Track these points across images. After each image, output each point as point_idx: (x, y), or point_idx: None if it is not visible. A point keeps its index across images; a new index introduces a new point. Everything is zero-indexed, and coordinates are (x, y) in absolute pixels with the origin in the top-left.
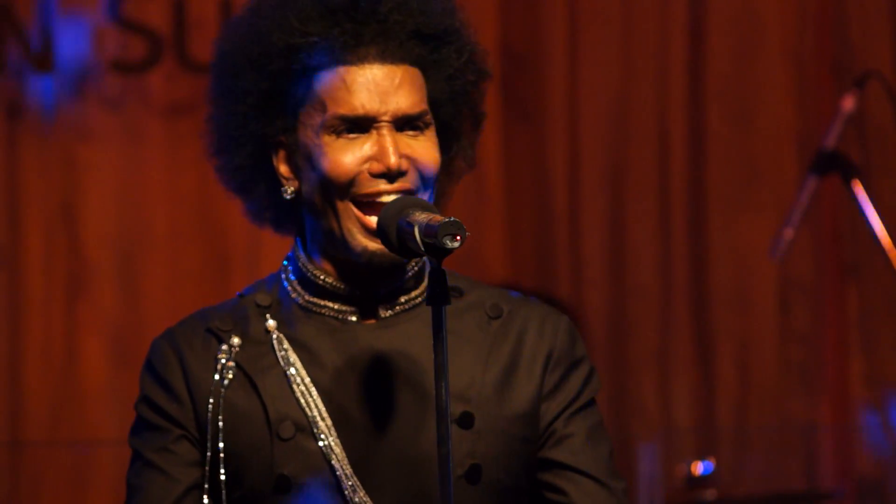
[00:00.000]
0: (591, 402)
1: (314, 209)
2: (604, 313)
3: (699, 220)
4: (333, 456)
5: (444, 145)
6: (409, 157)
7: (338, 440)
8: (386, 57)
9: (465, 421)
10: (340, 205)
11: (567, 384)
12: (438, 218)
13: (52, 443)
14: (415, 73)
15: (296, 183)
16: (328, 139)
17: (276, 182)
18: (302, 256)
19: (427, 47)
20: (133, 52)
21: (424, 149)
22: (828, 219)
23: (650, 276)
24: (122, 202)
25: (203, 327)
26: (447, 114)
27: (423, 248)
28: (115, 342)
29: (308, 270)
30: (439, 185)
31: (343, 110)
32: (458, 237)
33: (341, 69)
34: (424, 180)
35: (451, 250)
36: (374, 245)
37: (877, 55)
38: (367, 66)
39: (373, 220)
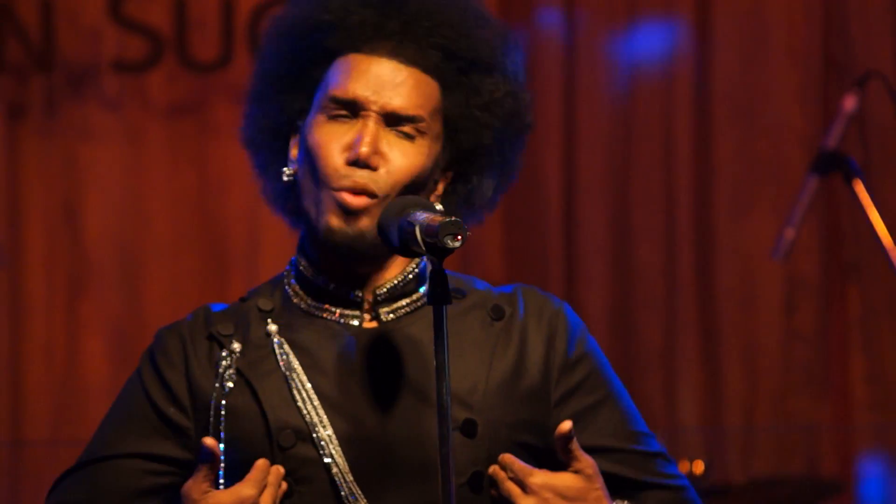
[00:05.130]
0: (607, 392)
1: (302, 191)
2: (609, 312)
3: (705, 220)
4: (334, 465)
5: (463, 176)
6: (384, 157)
7: (339, 448)
8: (398, 55)
9: (469, 429)
10: (324, 196)
11: (580, 389)
12: (439, 218)
13: (53, 442)
14: (426, 80)
15: (296, 167)
16: (320, 118)
17: (284, 166)
18: (304, 262)
19: (453, 65)
20: (133, 51)
21: (405, 154)
22: (829, 219)
23: (655, 276)
24: (122, 202)
25: (206, 331)
26: (467, 141)
27: (423, 248)
28: (116, 341)
29: (310, 274)
30: (461, 217)
31: (336, 92)
32: (459, 237)
33: (353, 56)
34: (393, 185)
35: (452, 250)
36: (337, 223)
37: (878, 55)
38: (375, 57)
39: (347, 197)
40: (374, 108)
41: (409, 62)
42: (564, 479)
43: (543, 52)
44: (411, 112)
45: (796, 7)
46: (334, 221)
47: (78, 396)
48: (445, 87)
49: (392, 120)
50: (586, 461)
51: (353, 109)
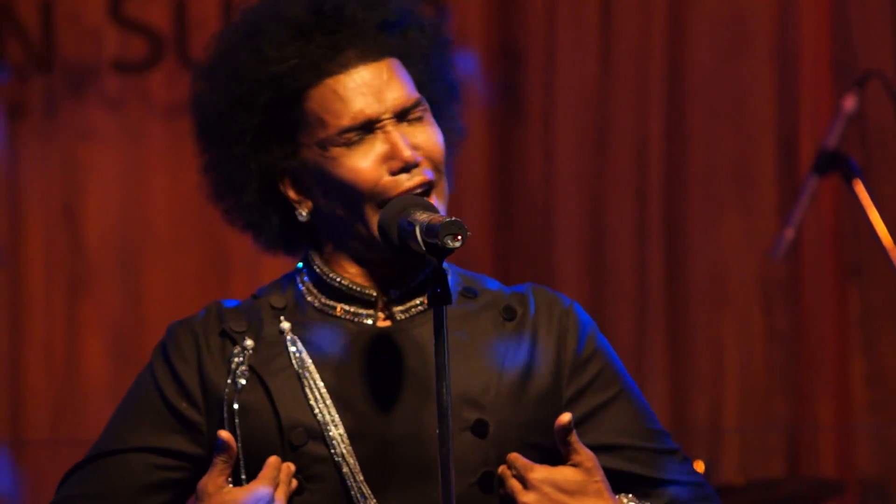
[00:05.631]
0: (619, 389)
1: (337, 221)
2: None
3: (677, 220)
4: (344, 464)
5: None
6: (418, 147)
7: (350, 448)
8: (366, 56)
9: (480, 429)
10: (370, 211)
11: (591, 387)
12: (439, 218)
13: (53, 442)
14: (396, 63)
15: (308, 203)
16: (338, 151)
17: (287, 209)
18: (318, 260)
19: (396, 35)
20: (134, 51)
21: (428, 135)
22: (829, 219)
23: (627, 277)
24: (122, 202)
25: (219, 327)
26: (431, 92)
27: (424, 248)
28: (116, 342)
29: (325, 274)
30: None
31: (345, 122)
32: (459, 237)
33: (329, 81)
34: (436, 166)
35: (452, 250)
36: None
37: (878, 55)
38: (352, 70)
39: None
40: (387, 115)
41: (377, 57)
42: (564, 473)
43: (525, 58)
44: (413, 100)
45: (771, 8)
46: None
47: (78, 396)
48: (402, 58)
49: (402, 115)
50: (585, 454)
51: (367, 127)
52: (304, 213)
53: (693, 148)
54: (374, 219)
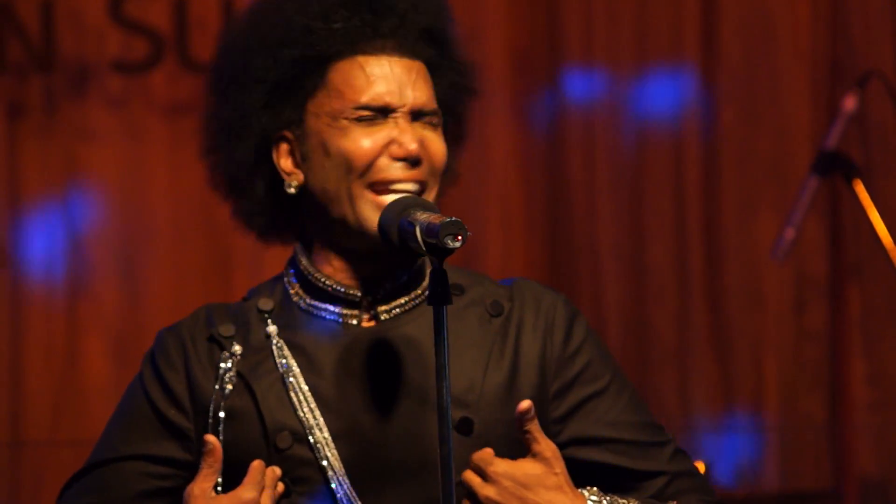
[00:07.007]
0: (608, 382)
1: (325, 197)
2: (622, 313)
3: (714, 220)
4: (330, 468)
5: None
6: (425, 149)
7: (335, 451)
8: (403, 51)
9: (464, 427)
10: (356, 189)
11: (578, 381)
12: (440, 218)
13: (53, 443)
14: (425, 70)
15: (300, 176)
16: (346, 123)
17: (275, 180)
18: (304, 260)
19: (435, 49)
20: (134, 51)
21: (436, 143)
22: (832, 219)
23: (667, 276)
24: (123, 202)
25: (207, 332)
26: (444, 111)
27: (424, 248)
28: (116, 342)
29: (310, 273)
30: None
31: (364, 99)
32: (460, 237)
33: (360, 58)
34: (434, 173)
35: (453, 250)
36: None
37: (878, 54)
38: (384, 57)
39: (388, 199)
40: (404, 108)
41: (412, 56)
42: (524, 467)
43: (562, 58)
44: (432, 106)
45: (802, 9)
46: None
47: (78, 396)
48: (432, 72)
49: (417, 115)
50: (546, 444)
51: (382, 112)
52: (293, 185)
53: (728, 147)
54: (360, 200)
